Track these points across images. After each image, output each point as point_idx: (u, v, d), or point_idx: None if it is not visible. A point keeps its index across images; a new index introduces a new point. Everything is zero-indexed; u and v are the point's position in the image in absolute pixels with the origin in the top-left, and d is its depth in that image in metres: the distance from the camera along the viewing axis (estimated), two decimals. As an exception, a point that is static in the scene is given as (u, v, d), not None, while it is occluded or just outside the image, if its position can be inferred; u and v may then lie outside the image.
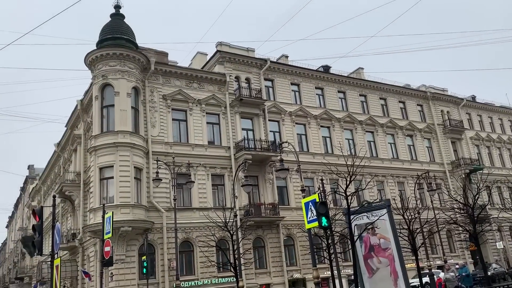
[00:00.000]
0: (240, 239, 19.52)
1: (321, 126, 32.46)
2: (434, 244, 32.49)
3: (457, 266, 23.35)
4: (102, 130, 23.83)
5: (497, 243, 37.17)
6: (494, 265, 29.65)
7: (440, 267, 29.61)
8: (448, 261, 29.24)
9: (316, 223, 12.88)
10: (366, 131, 34.93)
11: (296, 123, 31.21)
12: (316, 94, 33.56)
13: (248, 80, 29.70)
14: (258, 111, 29.15)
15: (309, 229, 14.76)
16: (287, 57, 34.78)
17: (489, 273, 22.99)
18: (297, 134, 31.02)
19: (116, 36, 25.00)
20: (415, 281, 21.45)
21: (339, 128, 33.27)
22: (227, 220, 17.55)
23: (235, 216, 19.35)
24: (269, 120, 29.56)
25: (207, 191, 25.69)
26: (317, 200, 13.21)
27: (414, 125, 38.21)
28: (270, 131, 29.43)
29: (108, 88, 24.40)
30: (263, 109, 29.36)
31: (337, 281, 17.62)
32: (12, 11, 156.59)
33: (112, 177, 22.53)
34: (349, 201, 12.73)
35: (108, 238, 15.69)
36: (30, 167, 61.53)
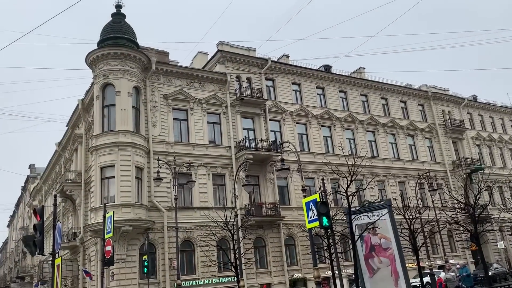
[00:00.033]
0: (241, 239, 19.53)
1: (322, 126, 32.44)
2: (435, 244, 32.47)
3: (458, 266, 23.33)
4: (103, 129, 23.85)
5: (498, 243, 37.12)
6: (495, 265, 29.60)
7: (441, 267, 29.60)
8: (449, 261, 29.22)
9: (317, 223, 12.88)
10: (367, 131, 34.91)
11: (297, 123, 31.19)
12: (317, 94, 33.54)
13: (249, 79, 29.70)
14: (259, 111, 29.15)
15: (310, 229, 14.76)
16: (288, 56, 34.77)
17: (490, 273, 22.95)
18: (298, 133, 31.01)
19: (117, 36, 25.01)
20: (416, 281, 21.44)
21: (340, 128, 33.26)
22: (228, 220, 17.55)
23: (236, 215, 19.35)
24: (270, 119, 29.55)
25: (208, 190, 25.70)
26: (318, 199, 13.22)
27: (415, 125, 38.18)
28: (271, 130, 29.42)
29: (109, 88, 24.42)
30: (264, 108, 29.35)
31: (338, 281, 17.65)
32: (13, 10, 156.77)
33: (113, 177, 22.54)
34: (350, 201, 12.71)
35: (109, 237, 15.71)
36: (31, 167, 61.60)
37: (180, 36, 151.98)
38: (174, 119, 26.40)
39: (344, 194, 12.81)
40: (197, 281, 23.55)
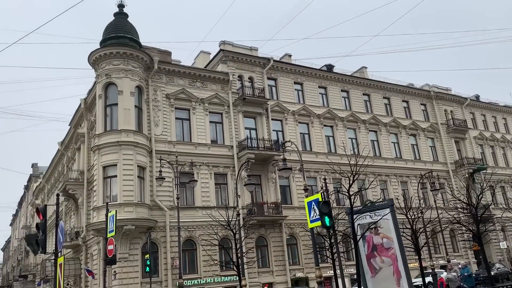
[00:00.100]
0: (242, 238, 19.55)
1: (324, 125, 32.41)
2: (437, 244, 32.42)
3: (459, 266, 23.31)
4: (105, 128, 23.89)
5: (500, 243, 37.04)
6: (497, 265, 29.54)
7: (443, 267, 29.57)
8: (451, 261, 29.18)
9: (319, 223, 12.88)
10: (370, 131, 34.87)
11: (299, 122, 31.19)
12: (319, 93, 33.51)
13: (251, 79, 29.70)
14: (261, 110, 29.14)
15: (312, 229, 14.78)
16: (290, 56, 34.74)
17: (492, 273, 22.90)
18: (300, 133, 30.99)
19: (119, 35, 25.04)
20: (417, 281, 21.42)
21: (342, 128, 33.24)
22: (230, 219, 17.57)
23: (238, 215, 19.34)
24: (272, 119, 29.54)
25: (210, 190, 25.72)
26: (320, 199, 13.24)
27: (418, 125, 38.12)
28: (273, 130, 29.42)
29: (111, 87, 24.46)
30: (266, 108, 29.34)
31: (339, 280, 17.66)
32: (15, 10, 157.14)
33: (116, 176, 22.59)
34: (352, 201, 12.71)
35: (112, 236, 15.75)
36: (34, 166, 61.73)
37: (182, 35, 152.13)
38: (176, 118, 26.43)
39: (346, 193, 12.80)
40: (199, 280, 23.59)
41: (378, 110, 36.20)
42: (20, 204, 72.42)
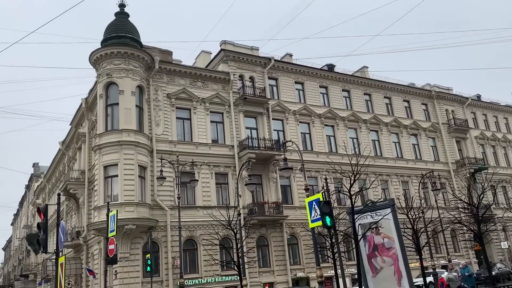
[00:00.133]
0: (243, 238, 19.55)
1: (325, 125, 32.40)
2: (438, 244, 32.40)
3: (460, 266, 23.30)
4: (106, 128, 23.91)
5: (501, 243, 37.03)
6: (498, 265, 29.53)
7: (444, 267, 29.55)
8: (452, 260, 29.17)
9: (319, 222, 12.86)
10: (371, 130, 34.86)
11: (300, 122, 31.18)
12: (320, 93, 33.50)
13: (252, 78, 29.69)
14: (262, 110, 29.13)
15: (313, 228, 14.76)
16: (291, 55, 34.73)
17: (493, 273, 22.89)
18: (301, 133, 30.99)
19: (120, 35, 25.06)
20: (418, 281, 21.40)
21: (343, 127, 33.21)
22: (231, 219, 17.56)
23: (239, 214, 19.33)
24: (273, 119, 29.54)
25: (210, 189, 25.73)
26: (321, 199, 13.19)
27: (419, 124, 38.09)
28: (274, 130, 29.42)
29: (112, 87, 24.47)
30: (267, 108, 29.34)
31: (340, 280, 17.63)
32: (16, 10, 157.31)
33: (117, 175, 22.61)
34: (353, 200, 12.69)
35: (113, 236, 15.74)
36: (35, 165, 61.79)
37: (183, 35, 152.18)
38: (177, 118, 26.44)
39: (347, 193, 12.78)
40: (200, 279, 23.60)
41: (379, 109, 36.17)
42: (21, 203, 72.53)
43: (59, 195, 14.64)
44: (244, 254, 18.89)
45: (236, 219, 18.38)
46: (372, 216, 13.26)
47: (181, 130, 26.50)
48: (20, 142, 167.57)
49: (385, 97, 37.37)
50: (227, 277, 24.08)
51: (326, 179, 23.39)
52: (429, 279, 22.60)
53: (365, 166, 15.43)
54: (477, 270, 30.04)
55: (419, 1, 44.45)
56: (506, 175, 42.18)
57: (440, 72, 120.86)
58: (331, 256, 17.26)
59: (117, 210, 16.58)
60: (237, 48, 29.95)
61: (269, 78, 30.80)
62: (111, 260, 15.94)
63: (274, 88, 31.13)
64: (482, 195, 19.10)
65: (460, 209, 20.61)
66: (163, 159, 22.20)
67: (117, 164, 22.73)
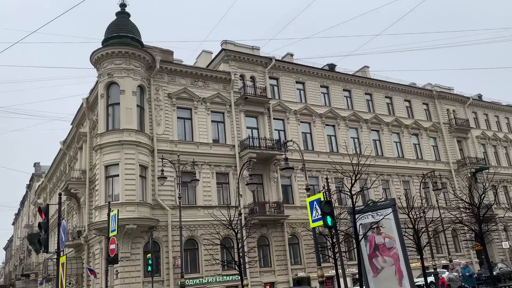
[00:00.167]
0: (244, 238, 19.52)
1: (326, 125, 32.39)
2: (439, 244, 32.38)
3: (461, 266, 23.28)
4: (107, 128, 23.93)
5: (503, 243, 36.99)
6: (499, 265, 29.47)
7: (445, 267, 29.52)
8: (453, 260, 29.14)
9: (320, 222, 12.84)
10: (372, 130, 34.84)
11: (301, 122, 31.17)
12: (321, 93, 33.48)
13: (253, 78, 29.69)
14: (263, 110, 29.13)
15: (314, 228, 14.75)
16: (292, 55, 34.72)
17: (494, 273, 22.86)
18: (302, 132, 30.98)
19: (121, 35, 25.07)
20: (419, 280, 21.39)
21: (344, 127, 33.19)
22: (232, 218, 17.55)
23: (240, 214, 19.34)
24: (274, 118, 29.54)
25: (211, 189, 25.74)
26: (322, 199, 13.16)
27: (420, 124, 38.06)
28: (275, 129, 29.41)
29: (113, 87, 24.48)
30: (268, 107, 29.34)
31: (341, 280, 17.62)
32: (17, 10, 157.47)
33: (118, 175, 22.62)
34: (354, 200, 12.68)
35: (114, 235, 15.77)
36: (36, 165, 61.80)
37: (184, 35, 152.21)
38: (178, 117, 26.45)
39: (348, 193, 12.77)
40: (201, 279, 23.60)
41: (380, 109, 36.15)
42: (22, 203, 72.61)
43: (60, 194, 14.64)
44: (245, 254, 18.89)
45: (237, 218, 18.39)
46: (373, 216, 13.24)
47: (182, 130, 26.50)
48: (21, 142, 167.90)
49: (386, 97, 37.35)
50: (228, 277, 24.09)
51: (327, 178, 23.38)
52: (430, 279, 22.58)
53: (366, 166, 15.41)
54: (478, 270, 29.99)
55: (420, 1, 44.38)
56: (507, 175, 42.13)
57: (441, 72, 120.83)
58: (332, 256, 17.24)
59: (118, 210, 16.62)
60: (238, 48, 29.95)
61: (270, 77, 30.80)
62: (112, 259, 15.96)
63: (275, 87, 31.13)
64: (483, 195, 19.11)
65: (461, 209, 20.59)
66: (164, 159, 22.21)
67: (118, 164, 22.75)
